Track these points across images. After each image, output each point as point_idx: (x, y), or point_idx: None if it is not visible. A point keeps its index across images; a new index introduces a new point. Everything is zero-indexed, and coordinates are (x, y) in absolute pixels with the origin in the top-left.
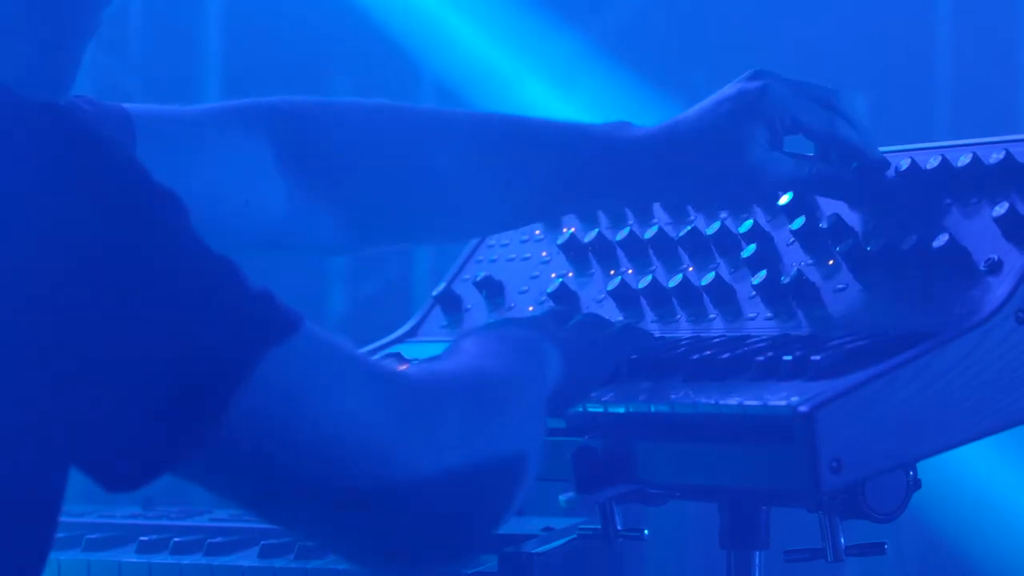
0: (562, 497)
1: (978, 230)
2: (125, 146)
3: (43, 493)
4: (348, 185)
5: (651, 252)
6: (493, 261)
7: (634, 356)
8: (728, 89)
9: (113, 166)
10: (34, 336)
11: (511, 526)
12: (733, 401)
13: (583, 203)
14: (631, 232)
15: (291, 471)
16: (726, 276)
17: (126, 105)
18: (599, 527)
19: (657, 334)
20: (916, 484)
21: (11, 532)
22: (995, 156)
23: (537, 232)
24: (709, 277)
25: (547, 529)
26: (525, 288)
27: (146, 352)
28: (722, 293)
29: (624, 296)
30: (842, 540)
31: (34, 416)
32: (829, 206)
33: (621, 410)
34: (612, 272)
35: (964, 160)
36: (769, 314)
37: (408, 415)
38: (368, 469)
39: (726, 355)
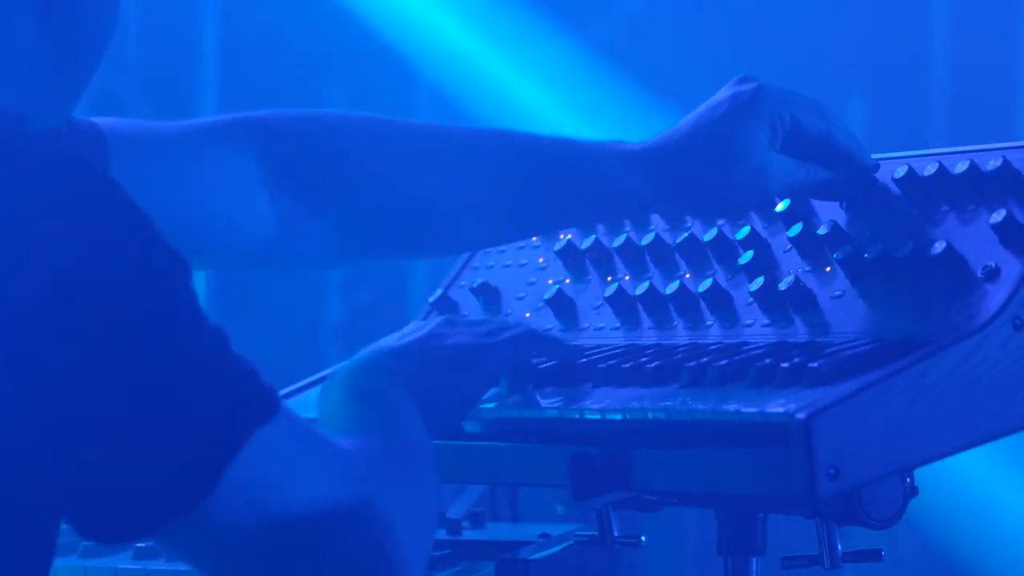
0: (559, 504)
1: (975, 237)
2: (138, 204)
3: (36, 547)
4: (337, 199)
5: (648, 259)
6: (490, 267)
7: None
8: (722, 93)
9: (125, 222)
10: (34, 394)
11: (508, 533)
12: (730, 408)
13: (578, 219)
14: (628, 239)
15: (257, 542)
16: (723, 283)
17: (99, 121)
18: (596, 533)
19: (654, 340)
20: (913, 491)
21: None
22: (992, 163)
23: (534, 238)
24: (706, 284)
25: (544, 535)
26: (522, 294)
27: (140, 419)
28: (719, 300)
29: (621, 303)
30: (839, 547)
31: (32, 473)
32: (826, 213)
33: (618, 417)
34: (609, 279)
35: (961, 167)
36: (766, 321)
37: (362, 488)
38: (327, 538)
39: (723, 362)
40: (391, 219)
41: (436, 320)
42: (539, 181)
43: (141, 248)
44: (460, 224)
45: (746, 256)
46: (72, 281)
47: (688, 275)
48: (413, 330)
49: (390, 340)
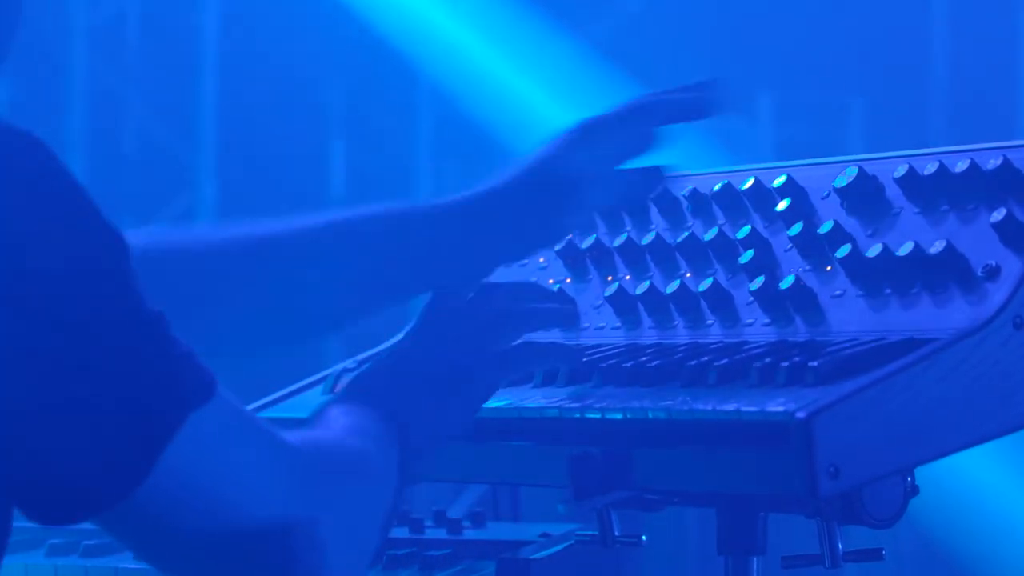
0: (560, 504)
1: (976, 236)
2: (77, 178)
3: None
4: (214, 324)
5: (648, 258)
6: None
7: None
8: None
9: (62, 200)
10: None
11: (509, 532)
12: (731, 407)
13: (433, 279)
14: (629, 238)
15: (189, 527)
16: (724, 282)
17: None
18: (597, 533)
19: (655, 340)
20: (914, 490)
21: None
22: (993, 162)
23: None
24: (707, 283)
25: (545, 535)
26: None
27: (73, 401)
28: (720, 299)
29: (621, 302)
30: (840, 546)
31: None
32: (827, 212)
33: (619, 416)
34: (610, 278)
35: (962, 166)
36: (767, 320)
37: (298, 484)
38: (259, 530)
39: (724, 361)
40: (247, 322)
41: (433, 332)
42: (369, 264)
43: (77, 226)
44: (309, 313)
45: (746, 255)
46: (3, 258)
47: (688, 274)
48: (413, 334)
49: (392, 346)
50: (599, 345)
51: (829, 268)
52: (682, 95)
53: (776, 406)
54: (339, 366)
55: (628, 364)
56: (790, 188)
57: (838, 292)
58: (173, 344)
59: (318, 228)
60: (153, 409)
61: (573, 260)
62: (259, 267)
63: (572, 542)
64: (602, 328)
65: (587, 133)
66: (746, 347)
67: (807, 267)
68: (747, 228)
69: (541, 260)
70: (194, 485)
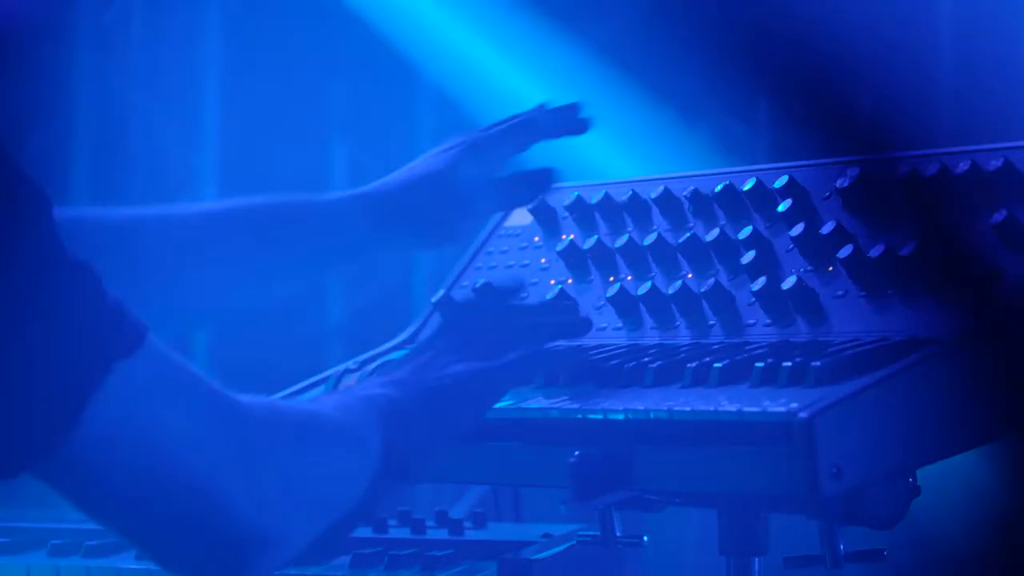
0: (563, 504)
1: (977, 237)
2: None
3: None
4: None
5: (650, 259)
6: (492, 268)
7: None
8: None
9: None
10: None
11: (510, 532)
12: (732, 408)
13: (324, 268)
14: (630, 239)
15: (126, 480)
16: (725, 283)
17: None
18: (598, 533)
19: (656, 340)
20: (916, 491)
21: None
22: (994, 163)
23: (536, 239)
24: (708, 284)
25: (546, 535)
26: (524, 295)
27: (1, 354)
28: (721, 300)
29: (623, 303)
30: (841, 547)
31: None
32: (829, 213)
33: (620, 417)
34: (611, 279)
35: (963, 167)
36: (768, 321)
37: (236, 441)
38: (194, 484)
39: (725, 362)
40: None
41: (441, 341)
42: (269, 248)
43: None
44: (205, 299)
45: (748, 256)
46: None
47: (690, 275)
48: (421, 348)
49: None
50: (601, 346)
51: (831, 269)
52: (559, 113)
53: (778, 406)
54: (341, 367)
55: (630, 365)
56: (792, 189)
57: (840, 293)
58: (99, 295)
59: (218, 213)
60: (79, 359)
61: (575, 260)
62: (158, 244)
63: (574, 542)
64: (604, 329)
65: (475, 148)
66: (748, 348)
67: (809, 268)
68: (749, 229)
69: (543, 261)
70: (128, 436)
